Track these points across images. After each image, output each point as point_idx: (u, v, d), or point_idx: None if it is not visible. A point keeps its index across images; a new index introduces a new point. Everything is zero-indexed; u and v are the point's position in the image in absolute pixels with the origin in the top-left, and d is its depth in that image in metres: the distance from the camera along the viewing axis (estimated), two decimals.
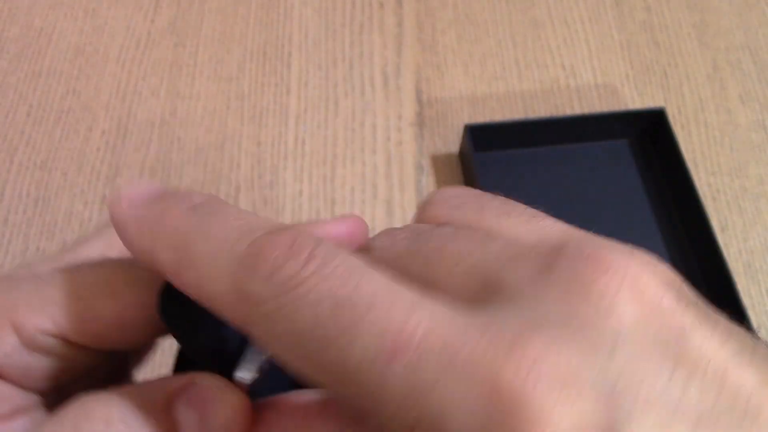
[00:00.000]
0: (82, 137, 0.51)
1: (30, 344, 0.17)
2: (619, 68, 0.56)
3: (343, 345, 0.13)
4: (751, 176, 0.51)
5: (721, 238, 0.47)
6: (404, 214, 0.49)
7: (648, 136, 0.51)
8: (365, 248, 0.17)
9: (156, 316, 0.18)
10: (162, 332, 0.19)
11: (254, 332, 0.14)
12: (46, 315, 0.17)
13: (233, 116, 0.52)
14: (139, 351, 0.22)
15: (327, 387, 0.14)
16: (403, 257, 0.16)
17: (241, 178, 0.50)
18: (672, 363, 0.12)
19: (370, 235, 0.17)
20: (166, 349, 0.22)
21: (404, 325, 0.12)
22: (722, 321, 0.13)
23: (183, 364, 0.19)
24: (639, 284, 0.13)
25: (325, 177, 0.50)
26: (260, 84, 0.54)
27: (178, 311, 0.17)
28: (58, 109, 0.52)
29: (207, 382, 0.16)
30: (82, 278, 0.18)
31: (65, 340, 0.17)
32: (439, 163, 0.51)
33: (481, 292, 0.14)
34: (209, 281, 0.14)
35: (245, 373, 0.16)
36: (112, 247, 0.20)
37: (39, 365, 0.18)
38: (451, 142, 0.51)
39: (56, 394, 0.19)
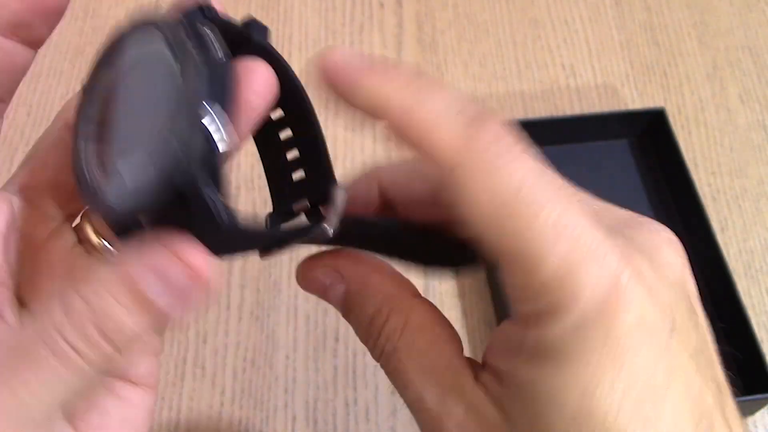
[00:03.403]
0: None
1: None
2: (619, 68, 0.56)
3: (529, 217, 0.17)
4: (751, 176, 0.51)
5: (721, 238, 0.47)
6: None
7: (648, 136, 0.51)
8: None
9: None
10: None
11: (457, 179, 0.18)
12: None
13: None
14: None
15: (496, 247, 0.18)
16: None
17: (241, 178, 0.50)
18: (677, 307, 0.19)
19: None
20: None
21: (566, 217, 0.17)
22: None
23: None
24: (682, 257, 0.20)
25: None
26: None
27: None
28: (59, 110, 0.52)
29: (168, 242, 0.17)
30: None
31: None
32: None
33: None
34: (438, 130, 0.18)
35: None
36: None
37: None
38: None
39: None
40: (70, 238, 0.22)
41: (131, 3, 0.58)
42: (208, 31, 0.18)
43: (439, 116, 0.18)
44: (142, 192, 0.16)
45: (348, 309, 0.22)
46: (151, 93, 0.17)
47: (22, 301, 0.21)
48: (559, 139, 0.50)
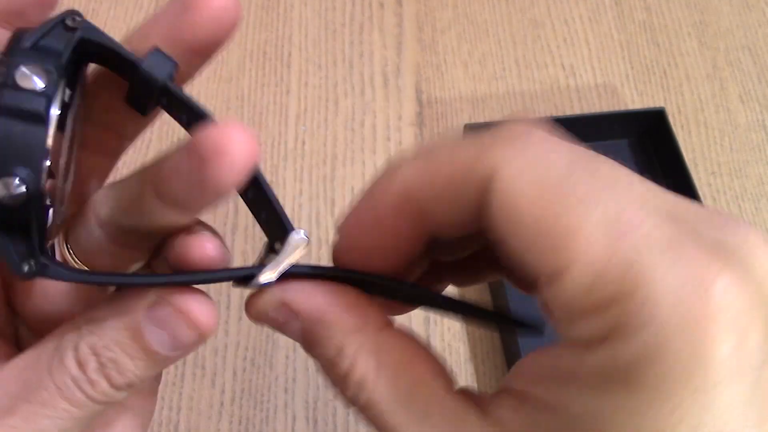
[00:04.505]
0: None
1: None
2: (619, 68, 0.56)
3: (579, 215, 0.15)
4: (751, 176, 0.51)
5: None
6: None
7: (648, 136, 0.51)
8: None
9: None
10: None
11: (493, 192, 0.16)
12: None
13: (233, 116, 0.52)
14: None
15: (540, 259, 0.15)
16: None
17: None
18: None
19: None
20: None
21: (628, 213, 0.15)
22: None
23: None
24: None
25: (325, 177, 0.50)
26: (260, 84, 0.54)
27: None
28: None
29: (175, 299, 0.17)
30: None
31: None
32: None
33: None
34: (457, 161, 0.17)
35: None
36: None
37: None
38: None
39: None
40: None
41: (131, 3, 0.58)
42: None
43: (453, 154, 0.17)
44: None
45: (308, 347, 0.19)
46: None
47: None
48: None
